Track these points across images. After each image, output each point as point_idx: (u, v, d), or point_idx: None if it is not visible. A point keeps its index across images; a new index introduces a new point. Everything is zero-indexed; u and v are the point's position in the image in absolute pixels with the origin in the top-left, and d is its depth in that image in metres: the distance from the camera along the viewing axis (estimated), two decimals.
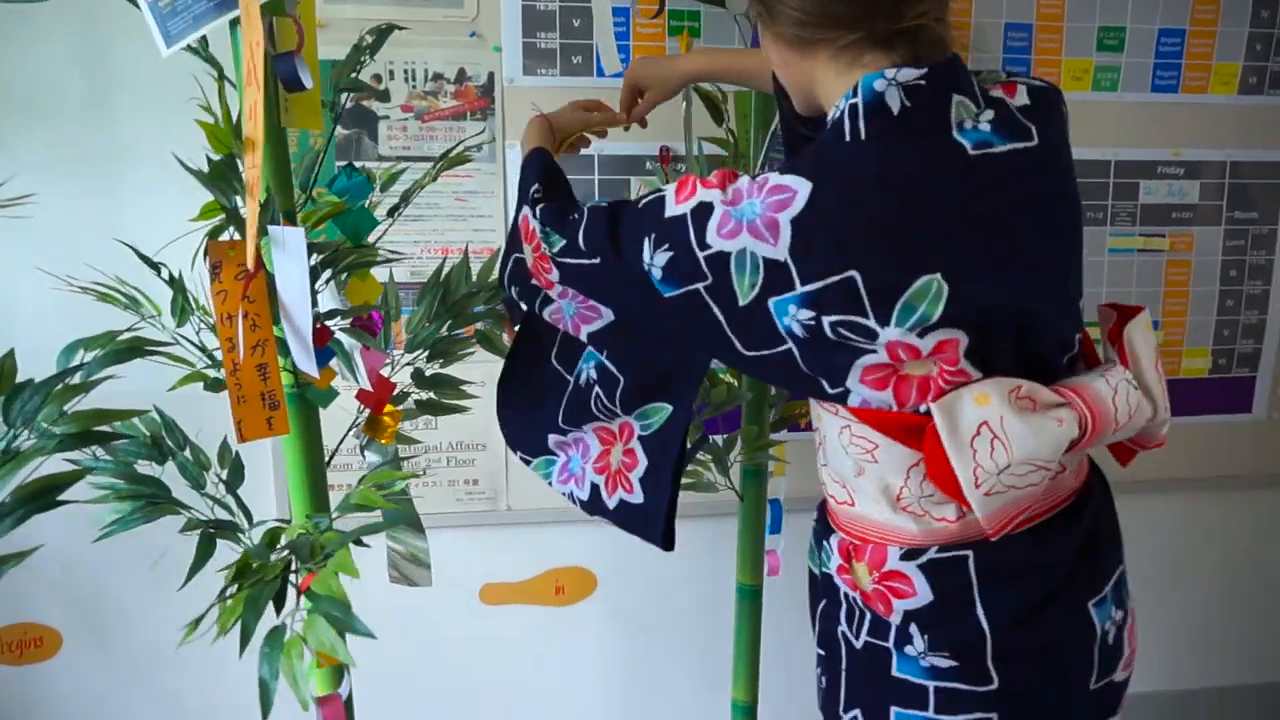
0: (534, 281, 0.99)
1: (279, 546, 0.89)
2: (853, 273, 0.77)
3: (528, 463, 1.17)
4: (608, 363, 1.02)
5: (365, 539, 0.89)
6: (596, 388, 1.04)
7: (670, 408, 1.02)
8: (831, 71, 0.85)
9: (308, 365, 0.87)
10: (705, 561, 1.78)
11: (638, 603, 1.85)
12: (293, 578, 0.86)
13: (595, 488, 1.09)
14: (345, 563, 0.83)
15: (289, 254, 0.82)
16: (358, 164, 1.09)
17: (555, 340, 1.09)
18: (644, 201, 0.87)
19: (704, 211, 0.82)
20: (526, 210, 0.97)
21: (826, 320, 0.79)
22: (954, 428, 0.81)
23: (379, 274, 1.07)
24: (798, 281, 0.78)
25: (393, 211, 1.10)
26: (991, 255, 0.81)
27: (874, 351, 0.80)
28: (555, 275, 0.95)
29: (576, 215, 0.92)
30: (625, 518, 1.06)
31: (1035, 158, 0.83)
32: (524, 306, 1.05)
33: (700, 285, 0.83)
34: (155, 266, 0.94)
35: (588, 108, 1.25)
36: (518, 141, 1.55)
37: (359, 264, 0.96)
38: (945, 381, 0.82)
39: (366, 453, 1.18)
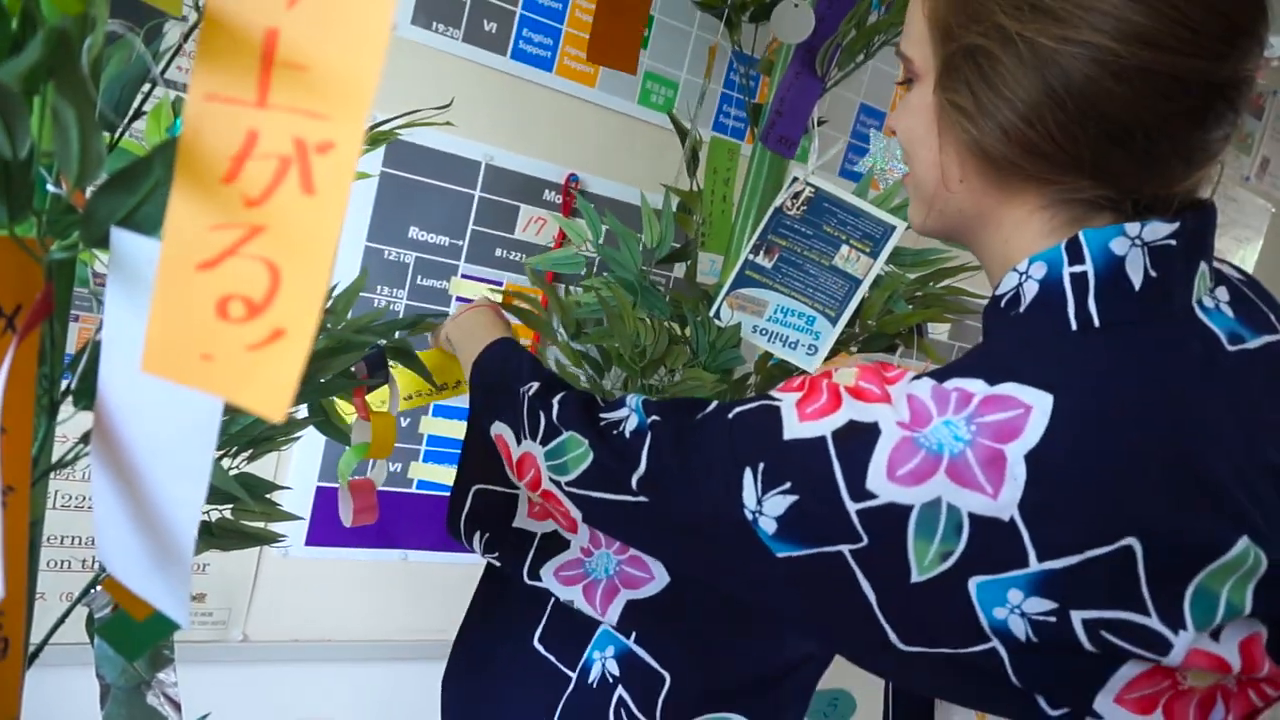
0: (526, 522, 0.71)
1: None
2: (1130, 541, 0.48)
3: None
4: (640, 651, 0.66)
5: None
6: (620, 690, 0.67)
7: None
8: (1032, 220, 0.56)
9: (172, 600, 0.35)
10: None
11: None
12: None
13: None
14: None
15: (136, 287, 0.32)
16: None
17: (543, 612, 0.75)
18: (738, 410, 0.59)
19: (861, 437, 0.52)
20: (501, 424, 0.71)
21: (1079, 617, 0.49)
22: None
23: None
24: (1031, 554, 0.49)
25: None
26: None
27: (1151, 661, 0.50)
28: (578, 514, 0.66)
29: (613, 420, 0.65)
30: None
31: None
32: (495, 561, 0.73)
33: (845, 548, 0.53)
34: None
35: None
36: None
37: None
38: (1260, 698, 0.51)
39: None
